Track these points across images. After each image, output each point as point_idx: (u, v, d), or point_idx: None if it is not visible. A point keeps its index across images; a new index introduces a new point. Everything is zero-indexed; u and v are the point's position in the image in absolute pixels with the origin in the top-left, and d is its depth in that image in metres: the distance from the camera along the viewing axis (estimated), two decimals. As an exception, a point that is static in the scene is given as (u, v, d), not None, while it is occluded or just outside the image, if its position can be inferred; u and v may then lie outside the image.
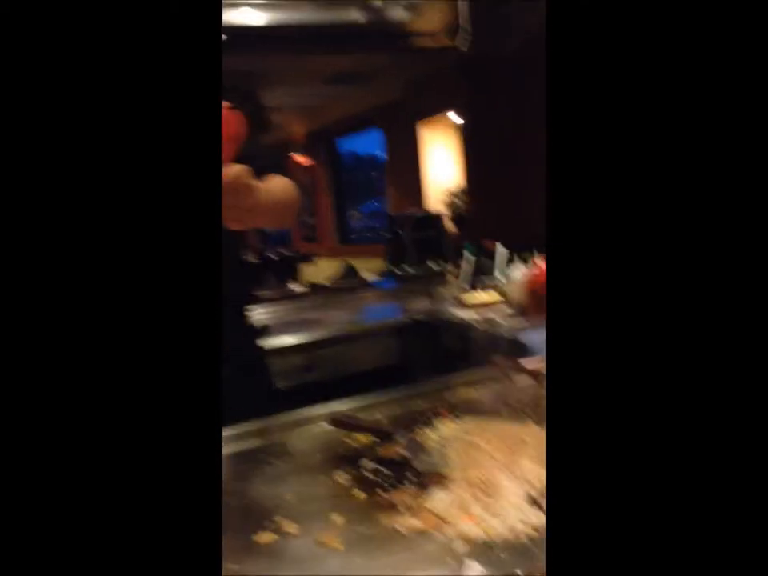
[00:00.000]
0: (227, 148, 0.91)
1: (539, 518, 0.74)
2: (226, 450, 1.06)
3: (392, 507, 0.81)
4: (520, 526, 0.73)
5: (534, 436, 0.94)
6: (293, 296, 3.00)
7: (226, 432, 1.09)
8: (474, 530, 0.73)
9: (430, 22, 2.74)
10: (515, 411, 1.05)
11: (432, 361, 1.53)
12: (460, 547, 0.71)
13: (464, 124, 3.52)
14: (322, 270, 3.67)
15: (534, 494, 0.78)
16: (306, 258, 3.77)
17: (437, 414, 1.10)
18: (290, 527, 0.78)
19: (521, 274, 2.05)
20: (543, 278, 1.93)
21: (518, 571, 0.65)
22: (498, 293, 2.25)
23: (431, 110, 3.99)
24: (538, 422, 0.98)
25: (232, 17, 2.27)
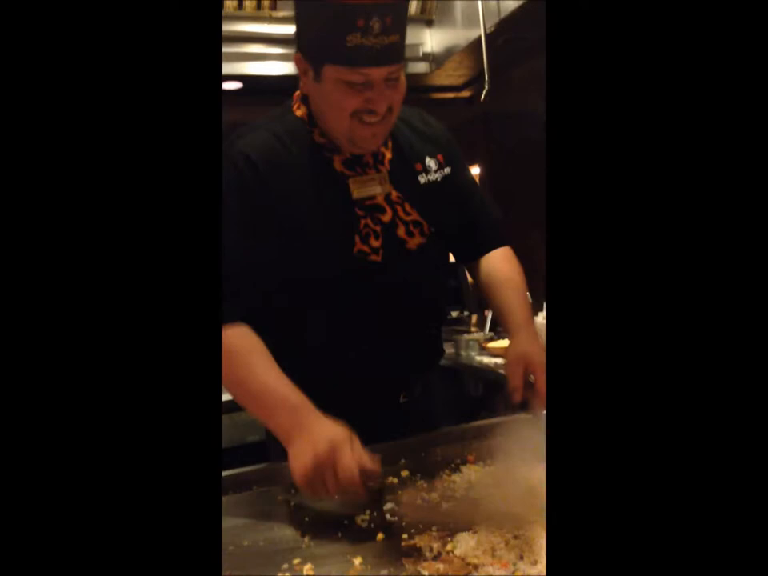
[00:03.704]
0: None
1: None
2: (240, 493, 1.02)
3: (416, 551, 0.76)
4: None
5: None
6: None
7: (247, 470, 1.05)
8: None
9: (452, 75, 2.79)
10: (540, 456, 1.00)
11: (456, 407, 1.49)
12: (489, 593, 0.66)
13: (483, 178, 3.54)
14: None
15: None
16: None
17: (463, 460, 1.05)
18: (308, 569, 0.73)
19: (545, 319, 2.01)
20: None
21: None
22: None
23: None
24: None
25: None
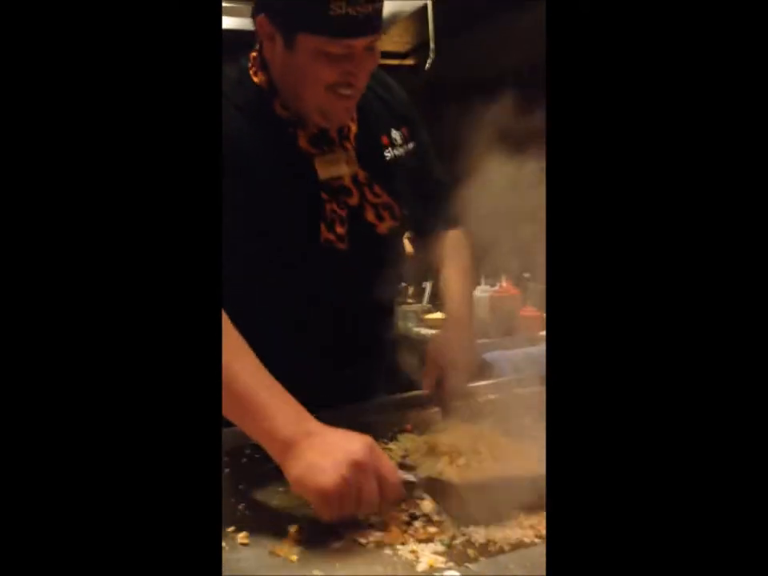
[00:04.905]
0: None
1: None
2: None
3: (353, 520, 0.76)
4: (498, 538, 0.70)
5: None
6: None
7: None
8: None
9: (397, 42, 2.76)
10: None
11: (393, 377, 1.48)
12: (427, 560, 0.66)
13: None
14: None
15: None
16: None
17: (401, 430, 1.05)
18: (243, 537, 0.72)
19: (483, 292, 2.04)
20: (503, 295, 1.94)
21: None
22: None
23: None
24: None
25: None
